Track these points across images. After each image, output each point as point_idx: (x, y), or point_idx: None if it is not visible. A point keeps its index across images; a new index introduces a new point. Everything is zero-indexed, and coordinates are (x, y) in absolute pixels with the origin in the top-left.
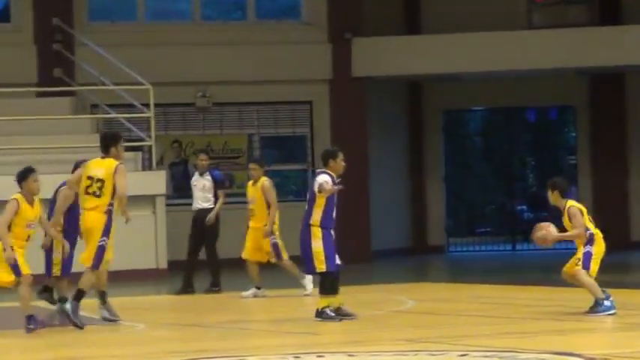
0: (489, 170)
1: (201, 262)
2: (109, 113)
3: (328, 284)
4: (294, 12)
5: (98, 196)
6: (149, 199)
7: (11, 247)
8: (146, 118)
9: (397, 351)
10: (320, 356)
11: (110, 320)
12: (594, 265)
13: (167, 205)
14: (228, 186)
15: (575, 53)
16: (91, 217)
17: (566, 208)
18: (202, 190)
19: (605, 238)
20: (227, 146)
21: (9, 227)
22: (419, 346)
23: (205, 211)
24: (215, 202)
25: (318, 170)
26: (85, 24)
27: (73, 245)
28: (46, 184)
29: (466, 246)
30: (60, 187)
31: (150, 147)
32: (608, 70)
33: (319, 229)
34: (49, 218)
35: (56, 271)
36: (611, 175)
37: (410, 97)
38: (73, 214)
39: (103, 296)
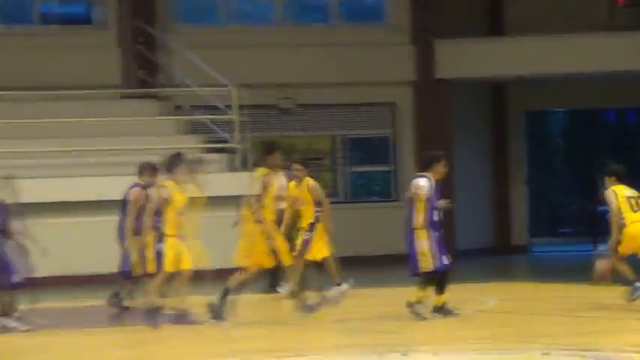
0: (570, 171)
1: None
2: (193, 115)
3: (429, 282)
4: (377, 14)
5: None
6: (234, 200)
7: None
8: (229, 120)
9: (480, 350)
10: (404, 354)
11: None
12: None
13: None
14: None
15: None
16: None
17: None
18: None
19: None
20: (310, 148)
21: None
22: (502, 344)
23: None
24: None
25: (417, 174)
26: (168, 26)
27: None
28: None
29: (548, 246)
30: (132, 187)
31: (235, 149)
32: None
33: (423, 231)
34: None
35: (137, 270)
36: None
37: (492, 99)
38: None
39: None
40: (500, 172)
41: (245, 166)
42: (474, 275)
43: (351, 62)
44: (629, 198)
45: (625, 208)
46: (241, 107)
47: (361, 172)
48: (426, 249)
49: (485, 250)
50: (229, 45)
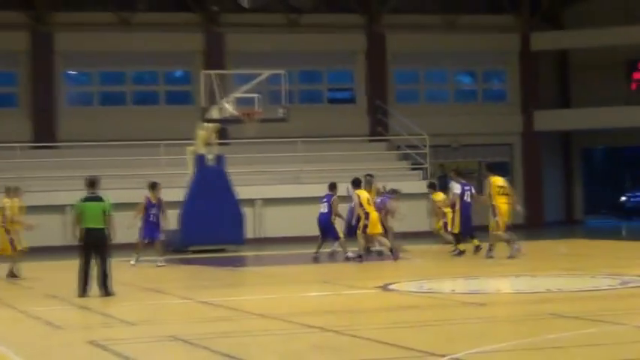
0: (607, 179)
1: None
2: (405, 150)
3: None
4: (502, 96)
5: (507, 195)
6: (423, 196)
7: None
8: (424, 154)
9: (557, 275)
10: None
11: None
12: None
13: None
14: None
15: None
16: (507, 207)
17: None
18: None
19: None
20: (466, 167)
21: None
22: (569, 272)
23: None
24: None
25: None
26: (393, 104)
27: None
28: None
29: (599, 221)
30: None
31: (426, 168)
32: None
33: None
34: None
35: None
36: None
37: (564, 141)
38: None
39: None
40: (569, 179)
41: (431, 178)
42: (554, 236)
43: (488, 123)
44: (499, 187)
45: (496, 192)
46: (431, 147)
47: None
48: None
49: (558, 222)
50: (425, 113)
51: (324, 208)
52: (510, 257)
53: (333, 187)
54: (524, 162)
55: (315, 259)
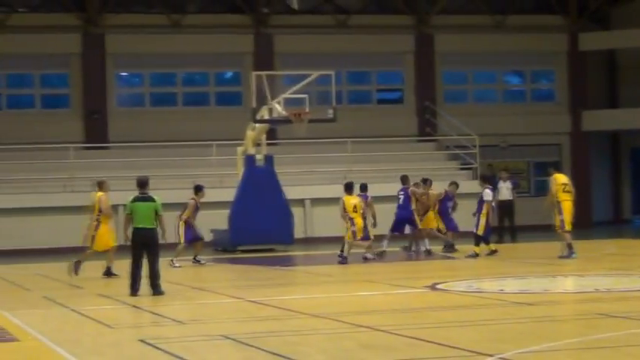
0: None
1: None
2: (453, 150)
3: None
4: (550, 96)
5: (570, 192)
6: (471, 195)
7: None
8: (473, 154)
9: (604, 275)
10: (565, 276)
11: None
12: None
13: None
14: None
15: None
16: (571, 204)
17: None
18: (506, 190)
19: None
20: (516, 168)
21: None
22: (617, 271)
23: (508, 201)
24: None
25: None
26: (442, 104)
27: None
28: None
29: None
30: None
31: (475, 168)
32: None
33: None
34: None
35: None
36: None
37: (612, 139)
38: None
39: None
40: (617, 179)
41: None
42: (602, 236)
43: (536, 123)
44: (562, 184)
45: (559, 189)
46: (481, 146)
47: (541, 180)
48: None
49: (607, 222)
50: (474, 113)
51: None
52: (561, 257)
53: (364, 188)
54: (572, 162)
55: (340, 258)
